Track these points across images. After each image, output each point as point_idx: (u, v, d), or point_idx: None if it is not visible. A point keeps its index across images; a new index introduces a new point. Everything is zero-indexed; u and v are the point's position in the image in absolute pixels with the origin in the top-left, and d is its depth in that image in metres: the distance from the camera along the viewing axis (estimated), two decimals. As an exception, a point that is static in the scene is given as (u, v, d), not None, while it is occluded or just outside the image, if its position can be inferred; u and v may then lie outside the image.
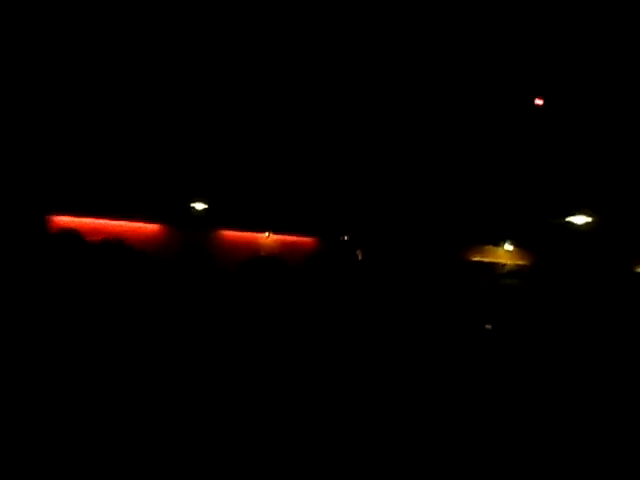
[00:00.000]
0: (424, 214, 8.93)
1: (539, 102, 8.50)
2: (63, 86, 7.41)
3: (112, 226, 7.88)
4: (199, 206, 8.58)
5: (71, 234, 2.23)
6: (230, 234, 9.11)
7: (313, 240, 9.14)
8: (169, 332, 2.10)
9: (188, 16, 7.18)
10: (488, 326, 2.49)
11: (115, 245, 2.37)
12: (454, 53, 7.82)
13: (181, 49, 7.53)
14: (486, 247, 10.02)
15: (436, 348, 2.25)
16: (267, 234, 9.32)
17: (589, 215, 8.40)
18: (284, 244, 9.11)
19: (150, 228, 8.57)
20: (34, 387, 1.74)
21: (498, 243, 9.97)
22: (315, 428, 1.89)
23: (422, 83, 8.18)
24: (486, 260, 9.70)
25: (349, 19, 7.28)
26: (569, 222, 8.52)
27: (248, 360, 2.04)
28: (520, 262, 9.81)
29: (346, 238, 8.17)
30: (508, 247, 10.03)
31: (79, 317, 2.02)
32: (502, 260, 9.81)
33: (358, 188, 8.83)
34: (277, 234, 9.30)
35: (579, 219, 8.47)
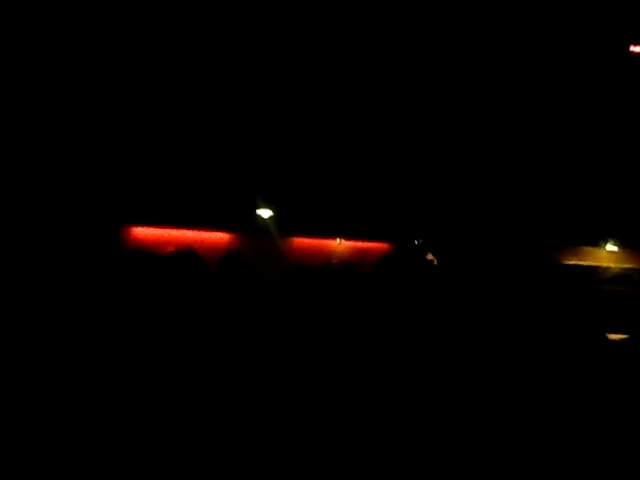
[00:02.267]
0: (508, 211, 8.52)
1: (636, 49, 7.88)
2: (132, 103, 8.05)
3: (184, 236, 8.36)
4: (267, 213, 8.84)
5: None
6: (300, 241, 9.28)
7: (386, 245, 9.06)
8: (242, 337, 2.20)
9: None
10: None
11: (188, 255, 2.52)
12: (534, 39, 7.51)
13: (244, 61, 7.93)
14: (584, 248, 9.34)
15: (524, 364, 2.14)
16: (338, 240, 9.38)
17: None
18: (356, 250, 9.12)
19: (221, 237, 8.96)
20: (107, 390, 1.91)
21: (598, 243, 9.25)
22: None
23: (504, 78, 7.91)
24: (584, 264, 9.05)
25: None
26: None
27: (326, 366, 2.09)
28: (627, 265, 9.04)
29: (420, 242, 8.01)
30: (611, 248, 9.28)
31: (156, 323, 2.16)
32: (604, 263, 9.10)
33: (433, 186, 8.64)
34: (349, 240, 9.33)
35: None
